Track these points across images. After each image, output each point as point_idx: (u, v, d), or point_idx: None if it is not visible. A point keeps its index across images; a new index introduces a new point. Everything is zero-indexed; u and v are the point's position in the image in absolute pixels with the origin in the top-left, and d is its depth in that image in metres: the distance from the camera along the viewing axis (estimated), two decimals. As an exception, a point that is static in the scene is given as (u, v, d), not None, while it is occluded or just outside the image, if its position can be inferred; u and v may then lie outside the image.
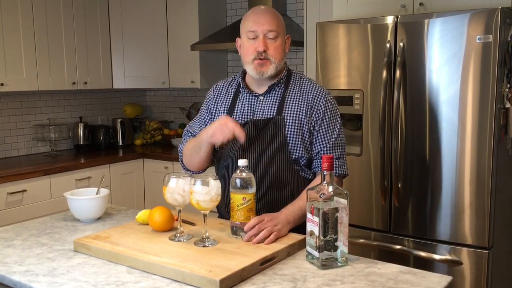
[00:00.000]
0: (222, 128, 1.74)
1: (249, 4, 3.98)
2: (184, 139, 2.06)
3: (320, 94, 1.89)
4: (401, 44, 2.57)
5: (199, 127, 2.03)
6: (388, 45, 2.61)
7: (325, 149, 1.86)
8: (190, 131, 2.05)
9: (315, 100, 1.88)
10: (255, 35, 1.85)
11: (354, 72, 2.75)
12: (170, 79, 4.40)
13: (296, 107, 1.87)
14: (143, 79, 4.41)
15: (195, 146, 1.92)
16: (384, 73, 2.61)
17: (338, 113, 1.93)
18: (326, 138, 1.87)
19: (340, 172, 1.87)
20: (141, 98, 5.01)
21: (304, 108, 1.87)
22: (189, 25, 4.18)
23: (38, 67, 3.72)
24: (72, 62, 3.97)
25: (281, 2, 3.95)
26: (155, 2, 4.30)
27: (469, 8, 2.47)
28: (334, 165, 1.83)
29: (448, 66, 2.46)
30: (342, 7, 3.00)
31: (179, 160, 2.07)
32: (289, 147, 1.85)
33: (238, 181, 1.63)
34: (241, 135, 1.71)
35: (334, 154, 1.86)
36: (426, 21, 2.50)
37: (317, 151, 1.88)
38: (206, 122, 2.02)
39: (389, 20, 2.61)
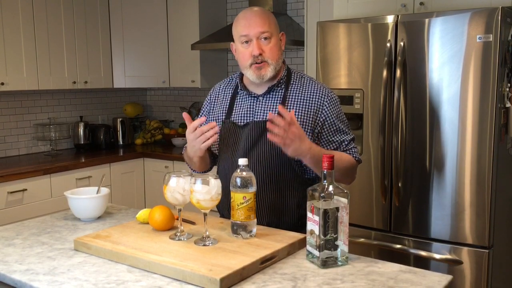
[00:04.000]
0: (194, 143, 1.77)
1: (249, 3, 3.98)
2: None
3: (324, 95, 1.89)
4: (402, 43, 2.57)
5: None
6: (388, 44, 2.61)
7: (343, 144, 1.89)
8: None
9: (319, 102, 1.87)
10: (248, 39, 1.83)
11: (354, 71, 2.75)
12: (170, 79, 4.40)
13: (298, 108, 1.87)
14: (143, 79, 4.41)
15: (189, 158, 1.96)
16: (385, 73, 2.61)
17: (341, 107, 1.95)
18: (339, 135, 1.89)
19: (358, 156, 1.92)
20: (141, 97, 5.01)
21: (308, 111, 1.87)
22: (190, 24, 4.18)
23: (38, 66, 3.72)
24: (73, 62, 3.97)
25: (282, 1, 3.94)
26: (156, 1, 4.30)
27: (470, 8, 2.47)
28: (352, 152, 1.90)
29: (448, 66, 2.46)
30: (343, 7, 2.99)
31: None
32: None
33: (238, 180, 1.63)
34: (211, 132, 1.73)
35: (351, 145, 1.91)
36: (426, 20, 2.50)
37: (334, 148, 1.88)
38: None
39: (390, 19, 2.61)
